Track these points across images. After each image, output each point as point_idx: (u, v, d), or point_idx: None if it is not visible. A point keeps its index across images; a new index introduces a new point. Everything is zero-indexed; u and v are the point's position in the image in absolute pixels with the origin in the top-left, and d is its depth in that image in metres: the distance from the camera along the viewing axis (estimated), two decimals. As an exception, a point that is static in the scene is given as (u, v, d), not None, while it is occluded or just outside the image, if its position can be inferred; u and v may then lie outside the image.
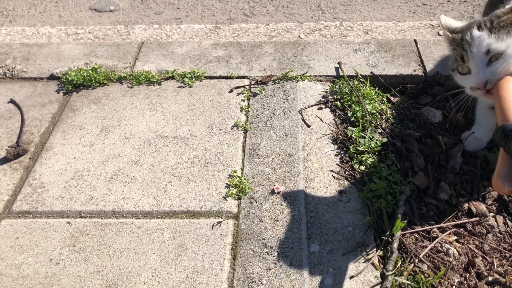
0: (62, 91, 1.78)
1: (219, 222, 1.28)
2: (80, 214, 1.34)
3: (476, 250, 1.23)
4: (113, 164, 1.47)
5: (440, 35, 2.13)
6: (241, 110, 1.64)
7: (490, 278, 1.16)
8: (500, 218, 1.31)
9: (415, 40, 1.91)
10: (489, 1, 1.46)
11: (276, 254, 1.21)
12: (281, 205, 1.33)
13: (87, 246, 1.25)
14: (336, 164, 1.43)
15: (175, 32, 2.23)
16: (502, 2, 1.32)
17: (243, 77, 1.79)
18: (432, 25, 2.16)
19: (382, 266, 1.19)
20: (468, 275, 1.18)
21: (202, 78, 1.79)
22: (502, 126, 0.67)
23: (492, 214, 1.32)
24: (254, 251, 1.22)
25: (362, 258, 1.20)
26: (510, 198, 1.36)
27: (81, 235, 1.28)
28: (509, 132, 0.64)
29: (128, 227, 1.29)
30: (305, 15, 2.39)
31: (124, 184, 1.40)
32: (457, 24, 1.20)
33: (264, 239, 1.25)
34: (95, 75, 1.77)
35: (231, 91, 1.72)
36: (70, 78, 1.76)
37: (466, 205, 1.34)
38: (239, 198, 1.35)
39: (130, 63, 1.89)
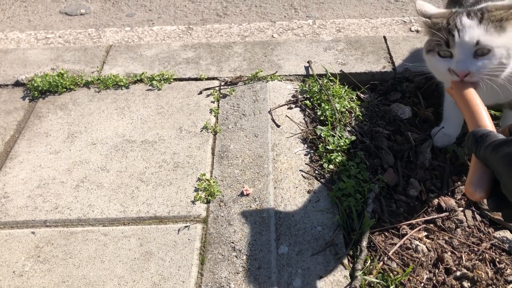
0: (28, 97, 1.73)
1: (187, 227, 1.26)
2: (45, 224, 1.30)
3: (445, 246, 1.23)
4: (79, 171, 1.44)
5: (412, 31, 2.14)
6: (210, 112, 1.62)
7: (458, 273, 1.16)
8: (468, 213, 1.31)
9: (384, 37, 1.91)
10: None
11: (244, 257, 1.20)
12: (250, 207, 1.31)
13: (52, 256, 1.22)
14: (306, 164, 1.42)
15: (147, 34, 2.20)
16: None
17: (213, 78, 1.77)
18: (404, 21, 2.17)
19: (351, 265, 1.18)
20: (437, 271, 1.18)
21: (171, 80, 1.76)
22: (473, 132, 0.67)
23: (461, 208, 1.32)
24: (222, 255, 1.21)
25: (332, 258, 1.19)
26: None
27: (45, 245, 1.25)
28: (479, 138, 0.64)
29: (94, 235, 1.26)
30: (278, 14, 2.38)
31: (90, 191, 1.37)
32: (434, 10, 1.17)
33: (232, 243, 1.23)
34: (62, 81, 1.73)
35: (200, 93, 1.70)
36: (36, 84, 1.72)
37: (435, 201, 1.34)
38: (207, 202, 1.33)
39: (97, 67, 1.85)
